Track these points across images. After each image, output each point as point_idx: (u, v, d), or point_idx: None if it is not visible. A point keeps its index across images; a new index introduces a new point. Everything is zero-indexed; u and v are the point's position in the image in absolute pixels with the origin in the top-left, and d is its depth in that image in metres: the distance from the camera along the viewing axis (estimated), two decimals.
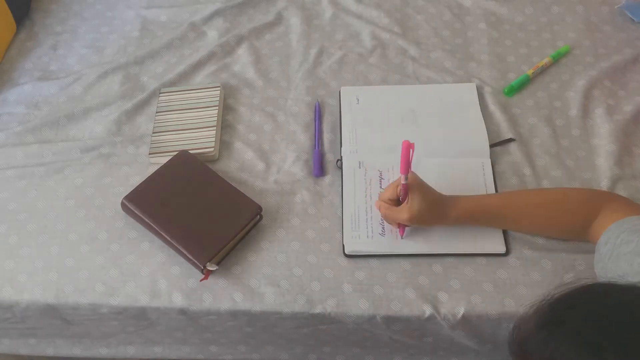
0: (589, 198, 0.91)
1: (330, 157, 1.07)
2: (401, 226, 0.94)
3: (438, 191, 0.92)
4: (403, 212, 0.90)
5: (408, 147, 0.86)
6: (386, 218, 0.95)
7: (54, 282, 0.95)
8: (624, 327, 0.53)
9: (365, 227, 0.97)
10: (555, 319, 0.56)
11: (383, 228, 0.97)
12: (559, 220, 0.92)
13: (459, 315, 0.90)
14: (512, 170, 1.04)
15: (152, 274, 0.95)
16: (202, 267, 0.91)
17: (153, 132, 1.10)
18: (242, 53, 1.24)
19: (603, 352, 0.51)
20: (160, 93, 1.15)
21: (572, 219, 0.90)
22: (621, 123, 1.08)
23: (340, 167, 1.05)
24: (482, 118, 1.09)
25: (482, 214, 0.93)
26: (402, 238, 0.95)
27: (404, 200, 0.91)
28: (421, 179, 0.91)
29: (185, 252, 0.93)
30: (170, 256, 0.96)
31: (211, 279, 0.93)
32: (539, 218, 0.93)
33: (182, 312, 0.93)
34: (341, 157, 1.06)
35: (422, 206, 0.89)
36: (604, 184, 1.01)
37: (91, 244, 0.98)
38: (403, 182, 0.89)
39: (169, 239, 0.94)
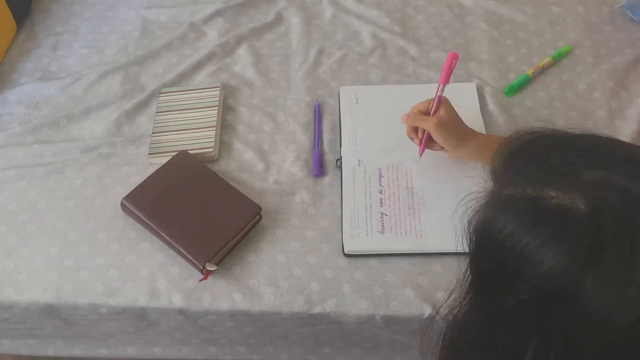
0: None
1: (330, 157, 1.07)
2: (422, 144, 0.95)
3: None
4: (431, 118, 0.90)
5: (452, 58, 0.89)
6: (412, 125, 0.94)
7: (53, 282, 0.95)
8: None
9: (365, 225, 0.97)
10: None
11: (383, 226, 0.96)
12: None
13: None
14: None
15: (152, 274, 0.95)
16: (202, 268, 0.91)
17: (153, 132, 1.10)
18: (242, 53, 1.24)
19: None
20: (160, 93, 1.16)
21: None
22: (622, 125, 1.08)
23: (340, 167, 1.04)
24: (482, 118, 1.08)
25: None
26: (419, 158, 0.97)
27: (435, 113, 0.91)
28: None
29: (184, 253, 0.93)
30: (170, 256, 0.96)
31: (210, 279, 0.93)
32: None
33: (182, 312, 0.93)
34: (341, 157, 1.05)
35: (450, 119, 0.90)
36: None
37: (91, 244, 0.98)
38: (439, 93, 0.90)
39: (168, 239, 0.94)
